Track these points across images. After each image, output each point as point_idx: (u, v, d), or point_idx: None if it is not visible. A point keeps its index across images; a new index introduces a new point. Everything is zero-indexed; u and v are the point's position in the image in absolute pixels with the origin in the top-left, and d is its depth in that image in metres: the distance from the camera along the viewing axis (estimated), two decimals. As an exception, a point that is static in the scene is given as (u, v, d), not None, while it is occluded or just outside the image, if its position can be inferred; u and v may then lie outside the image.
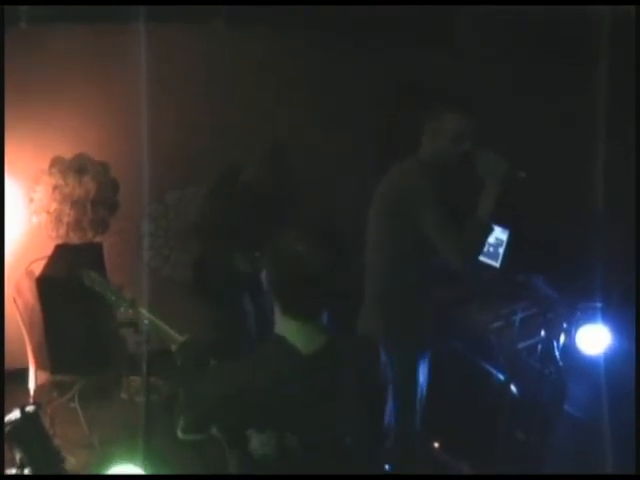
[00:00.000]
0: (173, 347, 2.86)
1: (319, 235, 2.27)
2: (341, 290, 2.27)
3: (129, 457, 3.85)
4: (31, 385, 4.78)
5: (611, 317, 4.44)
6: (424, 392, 3.76)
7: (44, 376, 4.86)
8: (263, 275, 2.29)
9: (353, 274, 2.59)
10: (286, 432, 2.20)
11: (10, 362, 4.81)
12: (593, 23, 4.77)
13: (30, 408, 3.92)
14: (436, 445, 4.35)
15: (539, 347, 4.35)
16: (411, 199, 3.44)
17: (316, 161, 5.59)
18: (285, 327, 2.28)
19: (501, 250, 4.69)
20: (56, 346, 4.69)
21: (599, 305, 4.45)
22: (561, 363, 4.27)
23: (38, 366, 4.78)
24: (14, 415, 3.81)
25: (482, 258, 4.55)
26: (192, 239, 5.36)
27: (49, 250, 5.02)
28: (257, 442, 2.19)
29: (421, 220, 3.40)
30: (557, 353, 4.27)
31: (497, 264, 4.73)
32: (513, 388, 4.20)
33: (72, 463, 4.19)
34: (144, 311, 3.25)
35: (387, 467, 3.11)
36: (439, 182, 3.48)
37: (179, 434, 2.39)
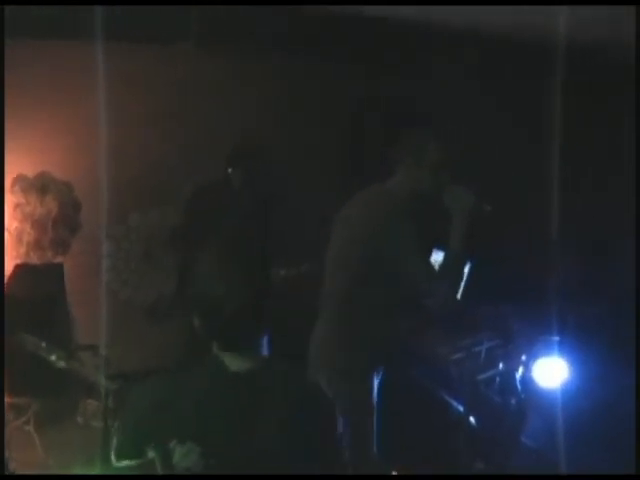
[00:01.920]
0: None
1: (230, 269, 2.29)
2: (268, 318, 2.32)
3: (85, 481, 3.80)
4: (-14, 407, 4.69)
5: (567, 350, 4.49)
6: (380, 420, 3.75)
7: (-1, 398, 4.78)
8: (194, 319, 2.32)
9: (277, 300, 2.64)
10: (207, 446, 2.21)
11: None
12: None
13: (-16, 431, 3.86)
14: (394, 474, 4.35)
15: (497, 379, 4.39)
16: (388, 229, 3.41)
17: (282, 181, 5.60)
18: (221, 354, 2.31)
19: (462, 282, 4.72)
20: (12, 367, 4.61)
21: (556, 338, 4.50)
22: (519, 395, 4.31)
23: (-6, 387, 4.70)
24: (-32, 438, 3.76)
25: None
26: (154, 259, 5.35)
27: (8, 269, 4.95)
28: (179, 455, 2.21)
29: (397, 251, 3.40)
30: (515, 385, 4.31)
31: (457, 296, 4.75)
32: (472, 419, 4.24)
33: (28, 487, 4.12)
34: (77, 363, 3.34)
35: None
36: (416, 212, 3.49)
37: (114, 461, 2.38)
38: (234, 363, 2.28)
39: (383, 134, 5.51)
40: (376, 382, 3.71)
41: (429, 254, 3.59)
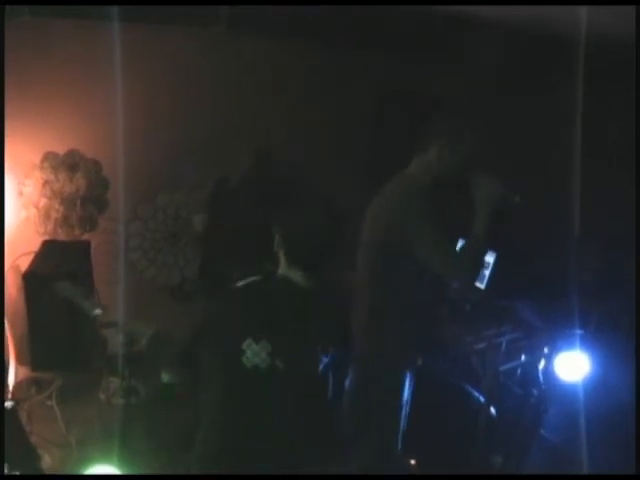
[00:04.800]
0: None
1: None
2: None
3: (105, 458, 3.83)
4: (10, 381, 4.74)
5: (588, 344, 4.46)
6: (406, 409, 3.75)
7: (24, 372, 4.83)
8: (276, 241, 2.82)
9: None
10: (276, 346, 2.65)
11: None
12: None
13: (8, 404, 3.89)
14: (412, 462, 4.35)
15: (518, 371, 4.37)
16: (413, 216, 3.39)
17: (307, 167, 5.59)
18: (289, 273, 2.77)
19: (487, 272, 4.70)
20: (38, 342, 4.67)
21: (578, 332, 4.47)
22: (540, 388, 4.29)
23: (18, 361, 4.76)
24: (-9, 411, 3.79)
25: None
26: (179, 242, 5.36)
27: (36, 245, 5.00)
28: (251, 352, 2.63)
29: (422, 239, 3.38)
30: (536, 378, 4.29)
31: (482, 286, 4.74)
32: (492, 410, 4.22)
33: (48, 462, 4.15)
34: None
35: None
36: (438, 196, 3.47)
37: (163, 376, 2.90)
38: (304, 280, 2.75)
39: (409, 121, 5.48)
40: (404, 370, 3.70)
41: (451, 240, 3.54)
